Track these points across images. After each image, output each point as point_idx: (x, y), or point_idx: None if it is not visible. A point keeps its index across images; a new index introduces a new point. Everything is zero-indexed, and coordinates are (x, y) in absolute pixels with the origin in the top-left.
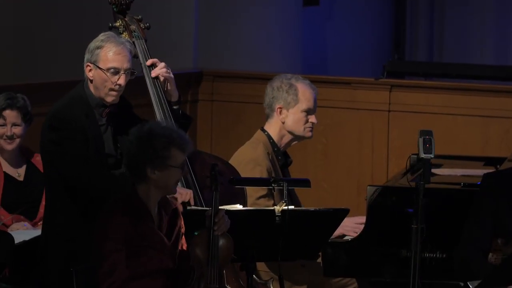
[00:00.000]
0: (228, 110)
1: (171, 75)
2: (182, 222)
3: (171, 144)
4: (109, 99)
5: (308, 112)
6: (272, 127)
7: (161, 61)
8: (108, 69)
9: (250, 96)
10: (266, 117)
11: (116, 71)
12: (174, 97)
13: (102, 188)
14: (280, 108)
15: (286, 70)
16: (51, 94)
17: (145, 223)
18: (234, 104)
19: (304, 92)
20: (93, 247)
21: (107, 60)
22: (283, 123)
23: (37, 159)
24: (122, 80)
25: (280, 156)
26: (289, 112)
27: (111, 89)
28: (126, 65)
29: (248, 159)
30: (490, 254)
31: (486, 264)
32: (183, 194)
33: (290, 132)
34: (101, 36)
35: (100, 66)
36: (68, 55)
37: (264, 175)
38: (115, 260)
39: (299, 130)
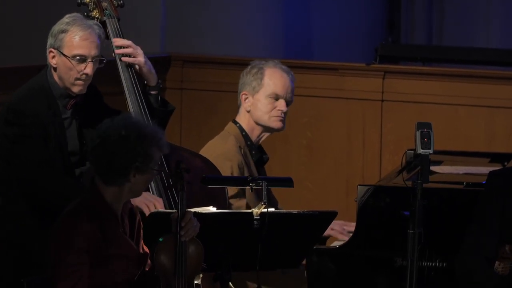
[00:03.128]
0: (200, 99)
1: (140, 58)
2: (139, 219)
3: (156, 145)
4: (75, 89)
5: (276, 98)
6: (242, 118)
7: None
8: (73, 57)
9: (225, 83)
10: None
11: (83, 59)
12: (152, 81)
13: (61, 195)
14: (245, 94)
15: (266, 55)
16: (4, 82)
17: (113, 229)
18: (207, 93)
19: (272, 75)
20: (49, 256)
21: (72, 46)
22: (248, 111)
23: None
24: (89, 69)
25: (254, 150)
26: (254, 98)
27: (77, 79)
28: (93, 52)
29: (217, 153)
30: (497, 263)
31: (491, 274)
32: (150, 206)
33: (257, 123)
34: (66, 19)
35: (65, 53)
36: (23, 38)
37: (235, 171)
38: (77, 276)
39: (264, 119)
